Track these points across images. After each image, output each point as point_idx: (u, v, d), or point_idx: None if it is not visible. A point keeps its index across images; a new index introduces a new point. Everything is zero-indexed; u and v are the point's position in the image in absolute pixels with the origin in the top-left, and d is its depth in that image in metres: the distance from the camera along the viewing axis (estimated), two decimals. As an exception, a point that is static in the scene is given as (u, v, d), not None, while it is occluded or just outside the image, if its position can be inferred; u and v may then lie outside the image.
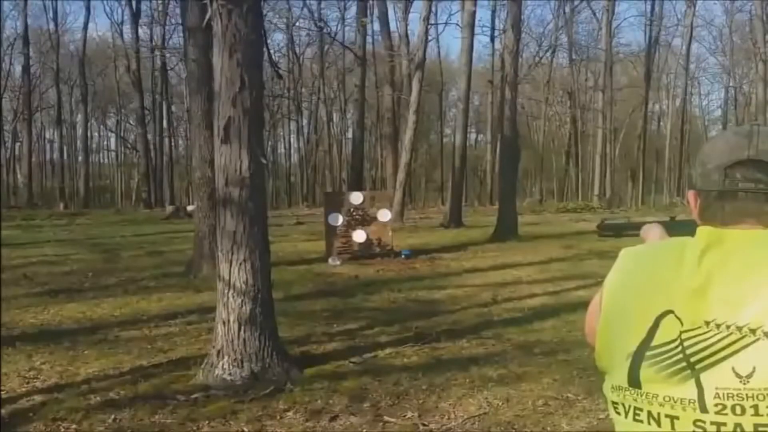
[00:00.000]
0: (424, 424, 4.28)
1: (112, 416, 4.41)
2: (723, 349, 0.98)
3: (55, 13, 39.61)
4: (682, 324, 1.01)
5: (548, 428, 4.22)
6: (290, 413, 4.47)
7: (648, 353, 1.03)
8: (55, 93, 39.10)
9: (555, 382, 4.99)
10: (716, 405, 0.98)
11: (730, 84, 44.12)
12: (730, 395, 0.97)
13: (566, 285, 9.14)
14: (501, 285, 9.44)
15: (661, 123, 47.42)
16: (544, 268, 10.77)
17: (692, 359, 1.00)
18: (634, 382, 1.04)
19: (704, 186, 1.12)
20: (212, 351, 5.24)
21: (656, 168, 45.17)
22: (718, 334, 0.99)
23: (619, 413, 1.07)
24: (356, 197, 12.50)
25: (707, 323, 1.00)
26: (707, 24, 42.02)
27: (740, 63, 43.08)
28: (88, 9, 36.95)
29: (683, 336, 1.01)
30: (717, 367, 0.99)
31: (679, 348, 1.01)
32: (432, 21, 25.56)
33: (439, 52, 41.71)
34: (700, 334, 1.00)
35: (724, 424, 0.97)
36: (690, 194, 1.18)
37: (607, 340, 1.10)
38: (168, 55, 35.61)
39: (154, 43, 35.89)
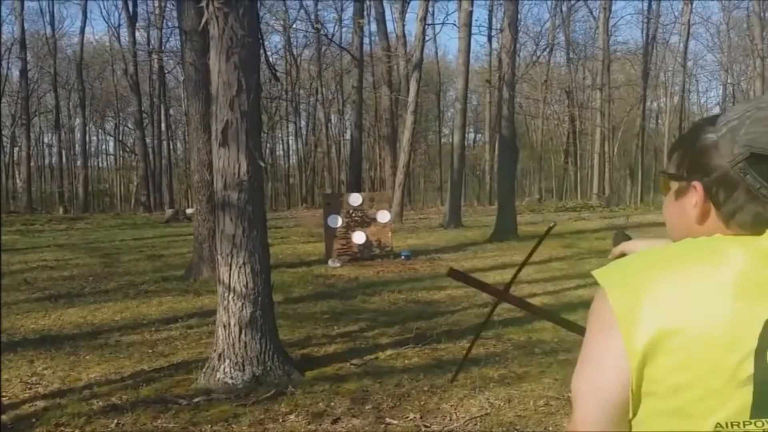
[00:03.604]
0: (426, 425, 4.29)
1: (115, 421, 4.41)
2: None
3: (52, 17, 39.61)
4: None
5: (550, 428, 4.22)
6: (292, 416, 4.48)
7: None
8: (52, 97, 39.12)
9: (556, 382, 4.99)
10: None
11: (728, 81, 44.16)
12: None
13: (566, 284, 9.15)
14: (501, 285, 9.43)
15: (659, 120, 47.46)
16: (543, 268, 10.77)
17: None
18: (762, 410, 0.89)
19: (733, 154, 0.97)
20: (213, 354, 5.25)
21: (655, 166, 45.17)
22: None
23: None
24: (355, 198, 12.51)
25: None
26: (704, 21, 42.39)
27: (738, 60, 43.12)
28: (84, 13, 37.23)
29: None
30: None
31: None
32: (429, 21, 25.59)
33: (436, 52, 41.87)
34: None
35: None
36: (698, 188, 1.01)
37: (688, 372, 0.91)
38: (165, 58, 35.65)
39: (151, 47, 35.90)
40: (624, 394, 0.94)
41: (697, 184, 1.01)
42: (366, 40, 32.68)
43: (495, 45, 33.04)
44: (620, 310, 0.93)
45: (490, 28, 35.64)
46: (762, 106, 0.98)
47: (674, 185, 1.08)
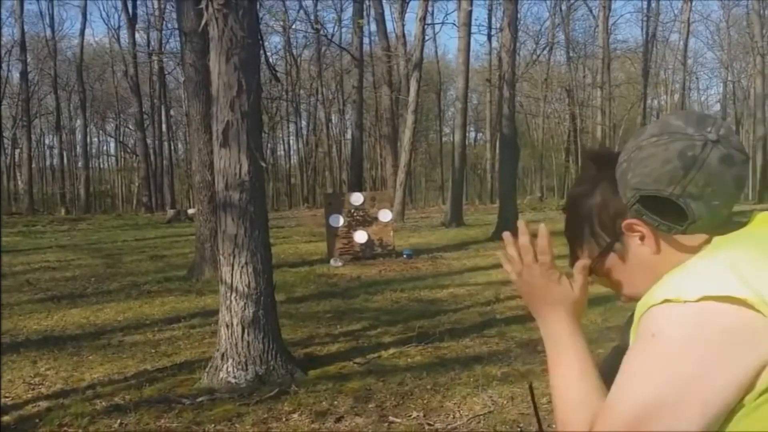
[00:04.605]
0: (429, 424, 4.29)
1: (118, 421, 4.42)
2: None
3: (52, 19, 39.64)
4: None
5: (553, 426, 4.22)
6: (295, 415, 4.49)
7: None
8: (53, 99, 39.11)
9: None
10: None
11: (729, 78, 44.15)
12: None
13: (568, 282, 9.13)
14: (503, 283, 9.42)
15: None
16: (545, 266, 10.75)
17: None
18: None
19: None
20: (216, 354, 5.25)
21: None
22: None
23: None
24: (357, 198, 12.51)
25: None
26: (704, 19, 42.29)
27: (738, 57, 43.09)
28: (84, 15, 37.11)
29: None
30: None
31: None
32: (428, 21, 25.54)
33: (436, 52, 41.80)
34: None
35: None
36: (633, 224, 1.01)
37: None
38: (165, 59, 35.63)
39: (151, 48, 35.91)
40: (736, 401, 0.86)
41: (628, 223, 1.01)
42: (366, 40, 32.71)
43: (495, 44, 33.07)
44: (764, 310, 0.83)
45: (489, 27, 35.67)
46: (642, 145, 0.98)
47: (611, 258, 1.07)
